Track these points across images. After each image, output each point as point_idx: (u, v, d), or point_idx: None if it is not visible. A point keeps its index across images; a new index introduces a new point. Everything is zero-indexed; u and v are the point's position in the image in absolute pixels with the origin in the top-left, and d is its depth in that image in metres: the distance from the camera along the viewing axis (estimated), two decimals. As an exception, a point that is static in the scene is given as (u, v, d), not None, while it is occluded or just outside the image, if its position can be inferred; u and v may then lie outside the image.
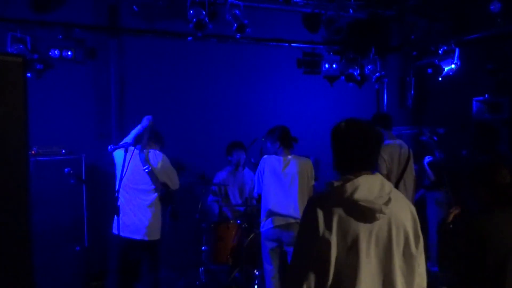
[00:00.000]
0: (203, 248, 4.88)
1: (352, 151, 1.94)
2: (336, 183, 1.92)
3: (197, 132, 6.12)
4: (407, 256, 1.94)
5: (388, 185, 1.95)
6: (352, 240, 1.85)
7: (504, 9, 5.04)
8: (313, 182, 4.46)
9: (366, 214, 1.87)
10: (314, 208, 1.89)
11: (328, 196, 1.93)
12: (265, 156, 4.43)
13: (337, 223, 1.85)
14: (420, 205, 5.68)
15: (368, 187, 1.89)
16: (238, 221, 4.97)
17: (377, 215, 1.87)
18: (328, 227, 1.84)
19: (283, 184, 4.28)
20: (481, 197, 2.60)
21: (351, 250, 1.85)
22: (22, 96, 2.62)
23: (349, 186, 1.88)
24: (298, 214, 4.21)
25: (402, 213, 1.96)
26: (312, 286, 1.84)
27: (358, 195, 1.86)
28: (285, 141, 4.38)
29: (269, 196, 4.31)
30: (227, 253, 4.89)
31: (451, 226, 3.08)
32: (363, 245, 1.86)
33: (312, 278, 1.84)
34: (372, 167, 1.96)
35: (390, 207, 1.89)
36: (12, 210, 2.55)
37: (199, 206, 4.93)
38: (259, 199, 4.51)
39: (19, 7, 5.20)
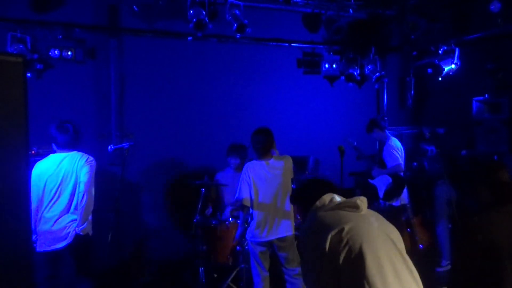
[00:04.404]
0: (203, 248, 4.87)
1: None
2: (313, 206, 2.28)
3: (197, 132, 6.11)
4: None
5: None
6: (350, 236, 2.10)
7: (504, 9, 5.05)
8: (292, 176, 4.48)
9: (350, 207, 2.21)
10: (307, 234, 2.23)
11: (312, 218, 2.25)
12: (247, 163, 4.44)
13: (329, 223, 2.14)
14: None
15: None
16: (228, 221, 4.96)
17: (358, 202, 2.20)
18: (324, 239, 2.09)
19: (271, 191, 4.28)
20: (482, 195, 2.62)
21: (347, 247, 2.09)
22: (22, 96, 2.61)
23: (325, 197, 2.28)
24: (290, 225, 4.28)
25: (387, 224, 2.28)
26: None
27: (335, 199, 2.27)
28: (263, 146, 4.34)
29: (259, 204, 4.30)
30: (227, 253, 4.89)
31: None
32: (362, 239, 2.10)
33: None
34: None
35: (372, 214, 2.25)
36: (11, 210, 2.55)
37: (199, 206, 4.92)
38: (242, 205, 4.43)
39: (19, 7, 5.20)
